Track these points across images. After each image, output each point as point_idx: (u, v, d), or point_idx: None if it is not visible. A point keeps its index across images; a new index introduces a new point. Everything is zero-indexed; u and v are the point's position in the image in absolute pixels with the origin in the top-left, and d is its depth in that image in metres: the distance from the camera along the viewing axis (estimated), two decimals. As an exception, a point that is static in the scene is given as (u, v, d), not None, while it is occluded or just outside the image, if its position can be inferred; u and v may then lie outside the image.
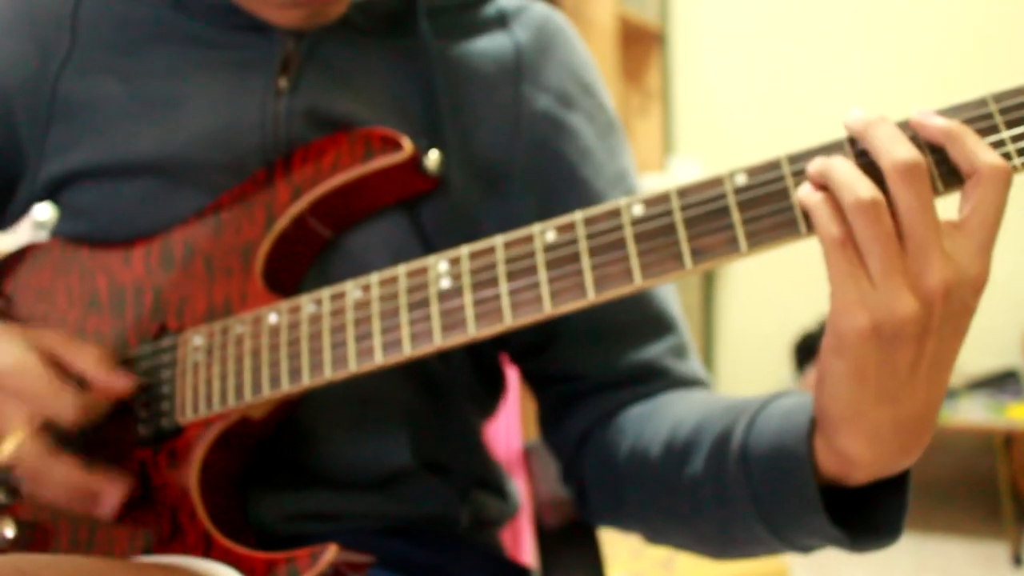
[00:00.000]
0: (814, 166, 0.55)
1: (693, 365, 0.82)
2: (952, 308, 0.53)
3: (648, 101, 3.30)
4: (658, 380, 0.79)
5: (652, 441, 0.72)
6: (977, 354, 2.79)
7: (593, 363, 0.80)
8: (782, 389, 0.67)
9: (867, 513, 0.61)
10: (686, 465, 0.68)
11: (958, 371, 2.76)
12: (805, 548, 0.65)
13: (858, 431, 0.55)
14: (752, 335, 3.23)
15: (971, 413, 2.57)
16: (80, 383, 0.70)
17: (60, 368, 0.70)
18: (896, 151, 0.52)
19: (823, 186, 0.54)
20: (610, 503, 0.79)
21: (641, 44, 3.21)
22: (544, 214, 0.73)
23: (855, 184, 0.52)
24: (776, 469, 0.61)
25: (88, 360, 0.71)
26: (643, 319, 0.80)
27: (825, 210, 0.53)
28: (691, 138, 3.31)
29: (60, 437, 0.70)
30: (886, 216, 0.52)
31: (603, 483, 0.78)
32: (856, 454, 0.56)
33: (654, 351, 0.80)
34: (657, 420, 0.74)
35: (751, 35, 3.17)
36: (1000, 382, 2.72)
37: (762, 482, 0.62)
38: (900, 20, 2.97)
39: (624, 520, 0.78)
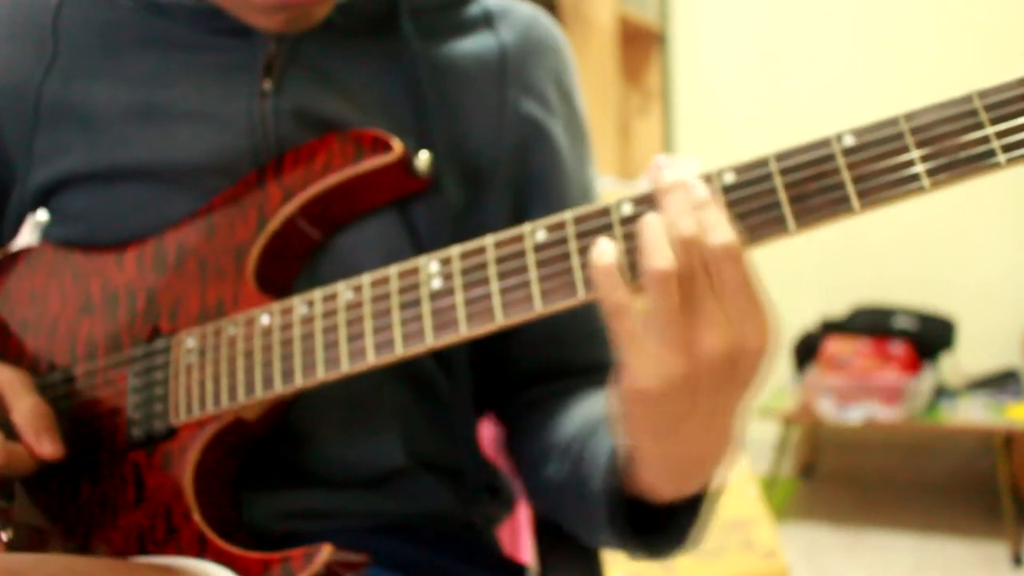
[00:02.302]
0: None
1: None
2: (731, 369, 0.55)
3: (648, 101, 3.30)
4: (580, 378, 0.82)
5: (552, 439, 0.78)
6: (977, 354, 2.80)
7: (524, 355, 0.83)
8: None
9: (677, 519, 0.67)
10: (559, 469, 0.75)
11: (958, 371, 2.77)
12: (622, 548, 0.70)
13: (643, 465, 0.62)
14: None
15: (971, 413, 2.57)
16: (13, 433, 0.70)
17: None
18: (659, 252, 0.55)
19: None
20: (532, 493, 0.85)
21: (641, 44, 3.21)
22: (515, 215, 0.76)
23: (654, 251, 0.54)
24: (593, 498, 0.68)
25: (24, 415, 0.71)
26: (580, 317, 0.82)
27: (608, 279, 0.56)
28: (691, 138, 3.31)
29: None
30: (675, 288, 0.54)
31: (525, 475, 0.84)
32: (646, 482, 0.63)
33: (578, 350, 0.83)
34: (558, 419, 0.79)
35: (751, 35, 3.17)
36: (1000, 382, 2.72)
37: (589, 503, 0.68)
38: (899, 20, 2.97)
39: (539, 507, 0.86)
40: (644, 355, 0.55)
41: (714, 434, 0.60)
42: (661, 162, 0.58)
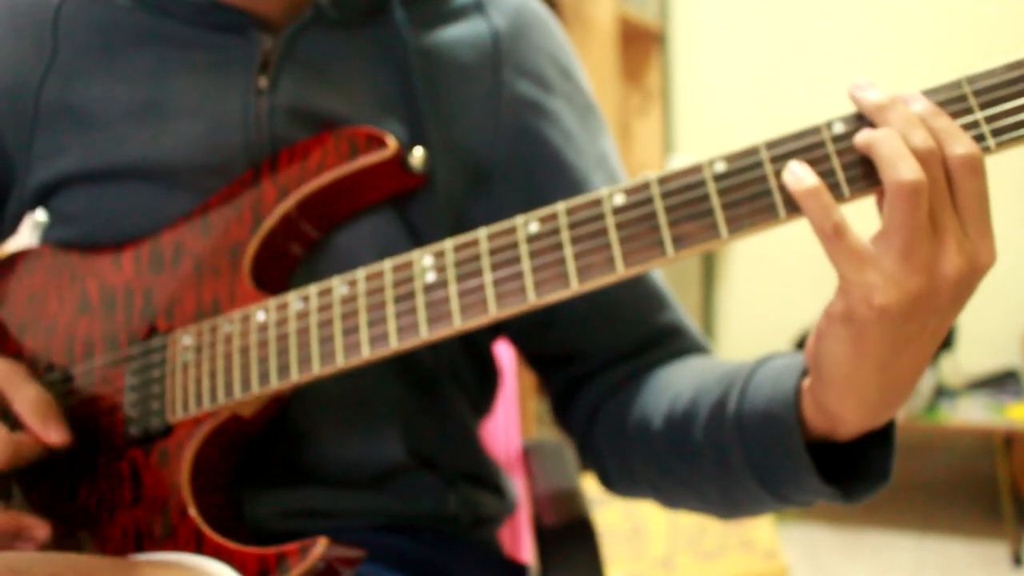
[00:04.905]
0: (860, 138, 0.55)
1: (691, 335, 0.83)
2: (963, 289, 0.54)
3: (648, 101, 3.29)
4: (658, 351, 0.80)
5: (654, 413, 0.74)
6: (977, 354, 2.79)
7: (596, 342, 0.81)
8: (771, 352, 0.68)
9: (858, 461, 0.64)
10: (686, 435, 0.70)
11: (958, 371, 2.77)
12: (804, 503, 0.66)
13: (849, 393, 0.58)
14: (752, 335, 3.22)
15: (971, 413, 2.56)
16: (16, 424, 0.70)
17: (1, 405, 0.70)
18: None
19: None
20: (623, 473, 0.80)
21: (641, 44, 3.21)
22: (529, 199, 0.75)
23: (900, 163, 0.52)
24: (768, 436, 0.63)
25: (26, 404, 0.71)
26: (639, 296, 0.81)
27: (818, 201, 0.54)
28: (691, 138, 3.31)
29: None
30: (925, 202, 0.52)
31: (615, 455, 0.80)
32: (843, 414, 0.59)
33: (653, 326, 0.81)
34: (657, 392, 0.76)
35: (751, 35, 3.17)
36: (1000, 382, 2.71)
37: (756, 449, 0.64)
38: (899, 20, 2.97)
39: (638, 488, 0.80)
40: (878, 275, 0.52)
41: (925, 358, 0.57)
42: (861, 84, 0.55)
